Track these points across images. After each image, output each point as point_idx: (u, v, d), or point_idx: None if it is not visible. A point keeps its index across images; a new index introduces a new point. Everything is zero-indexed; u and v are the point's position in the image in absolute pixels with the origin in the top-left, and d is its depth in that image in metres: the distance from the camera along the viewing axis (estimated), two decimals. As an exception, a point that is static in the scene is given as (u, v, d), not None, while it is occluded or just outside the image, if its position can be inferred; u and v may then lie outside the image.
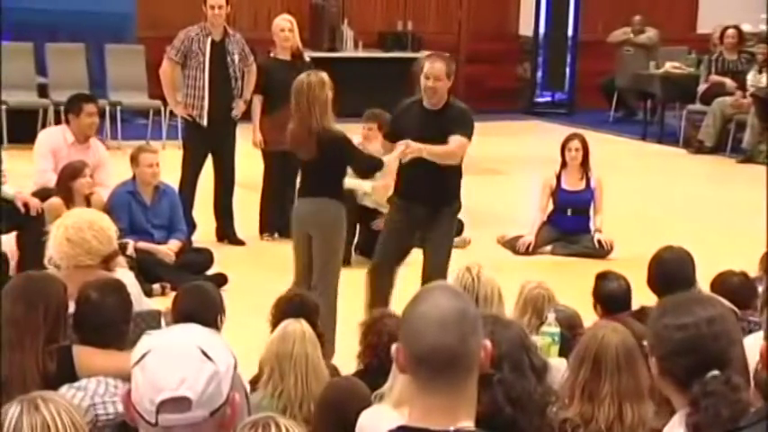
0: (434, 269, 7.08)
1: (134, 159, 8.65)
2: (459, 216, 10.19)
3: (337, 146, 6.98)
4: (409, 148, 6.98)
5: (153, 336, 2.34)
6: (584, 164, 9.95)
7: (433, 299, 2.43)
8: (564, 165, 9.96)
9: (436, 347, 2.37)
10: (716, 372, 2.71)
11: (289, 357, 4.61)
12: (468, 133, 7.15)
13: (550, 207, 10.06)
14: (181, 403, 2.25)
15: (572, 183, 9.96)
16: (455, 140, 7.07)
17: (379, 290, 7.19)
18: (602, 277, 5.67)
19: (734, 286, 5.79)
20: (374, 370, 4.69)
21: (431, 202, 7.23)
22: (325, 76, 7.02)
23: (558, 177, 9.97)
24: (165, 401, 2.24)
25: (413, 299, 2.48)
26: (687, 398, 2.72)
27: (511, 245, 9.93)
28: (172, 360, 2.26)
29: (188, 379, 2.25)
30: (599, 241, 9.82)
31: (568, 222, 9.97)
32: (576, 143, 9.95)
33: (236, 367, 2.37)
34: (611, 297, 5.54)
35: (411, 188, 7.24)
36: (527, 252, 9.80)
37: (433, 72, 7.12)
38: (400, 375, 3.56)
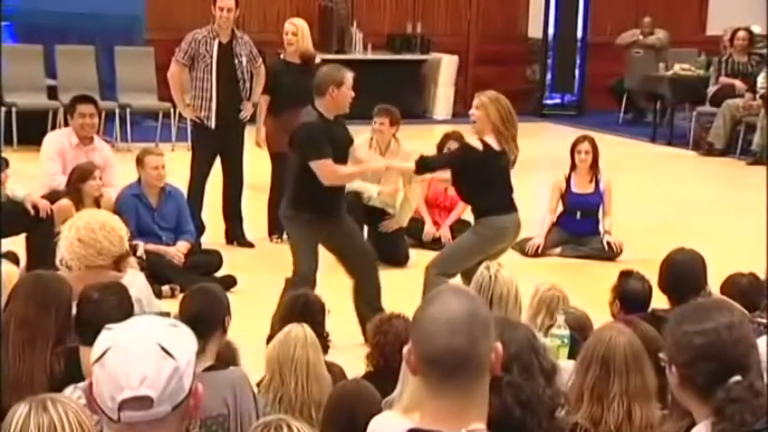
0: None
1: (140, 162, 8.66)
2: (467, 218, 10.24)
3: None
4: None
5: (113, 330, 2.34)
6: (594, 166, 9.94)
7: (444, 301, 2.43)
8: (573, 167, 9.95)
9: (446, 349, 2.37)
10: (738, 377, 2.70)
11: (289, 362, 4.61)
12: None
13: (560, 209, 10.06)
14: (142, 402, 2.26)
15: (581, 185, 9.95)
16: None
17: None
18: (626, 275, 5.67)
19: (743, 288, 5.78)
20: (382, 371, 4.68)
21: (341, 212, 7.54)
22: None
23: (568, 180, 9.96)
24: (127, 400, 2.25)
25: (424, 300, 2.48)
26: (709, 406, 2.70)
27: (520, 246, 9.91)
28: (132, 358, 2.27)
29: (149, 377, 2.26)
30: (608, 243, 9.80)
31: (577, 225, 9.96)
32: (585, 145, 9.93)
33: (197, 354, 2.37)
34: (633, 296, 5.54)
35: (335, 201, 7.44)
36: (536, 254, 9.79)
37: (353, 83, 7.14)
38: (410, 381, 3.55)
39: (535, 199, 11.27)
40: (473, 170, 7.13)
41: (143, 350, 2.28)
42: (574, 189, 9.95)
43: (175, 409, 2.28)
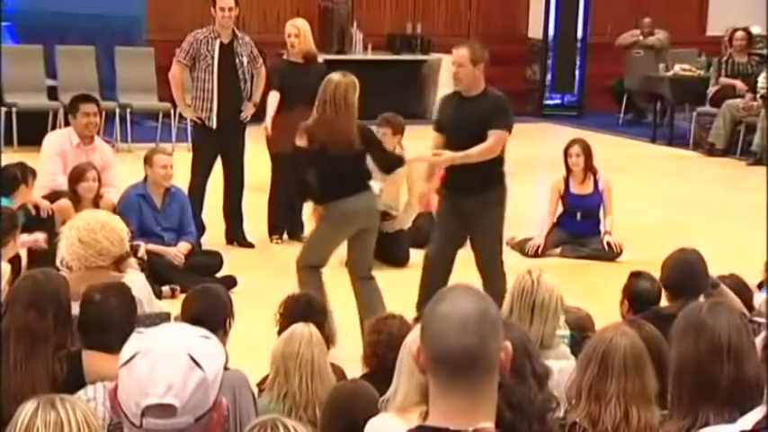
0: (484, 258, 7.34)
1: (148, 160, 8.67)
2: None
3: (366, 137, 7.25)
4: (441, 158, 7.26)
5: (143, 336, 2.32)
6: (588, 168, 9.92)
7: (454, 300, 2.42)
8: (569, 171, 9.94)
9: (456, 348, 2.37)
10: None
11: (294, 359, 4.61)
12: (505, 124, 7.32)
13: (559, 210, 10.05)
14: (166, 410, 2.24)
15: (579, 187, 9.94)
16: (492, 135, 7.23)
17: (432, 282, 7.24)
18: (636, 275, 5.70)
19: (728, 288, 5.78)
20: (377, 371, 4.69)
21: (470, 192, 7.39)
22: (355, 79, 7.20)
23: (567, 181, 9.96)
24: (151, 407, 2.24)
25: (434, 299, 2.47)
26: None
27: (520, 247, 9.92)
28: (160, 366, 2.25)
29: (175, 386, 2.24)
30: (608, 243, 9.80)
31: (577, 225, 9.95)
32: (575, 149, 9.93)
33: (226, 366, 2.36)
34: (641, 296, 5.55)
35: (452, 179, 7.45)
36: (536, 254, 9.79)
37: (455, 58, 7.34)
38: (403, 380, 3.55)
39: (535, 199, 11.28)
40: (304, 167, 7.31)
41: (172, 358, 2.25)
42: (572, 190, 9.96)
43: (198, 420, 2.26)
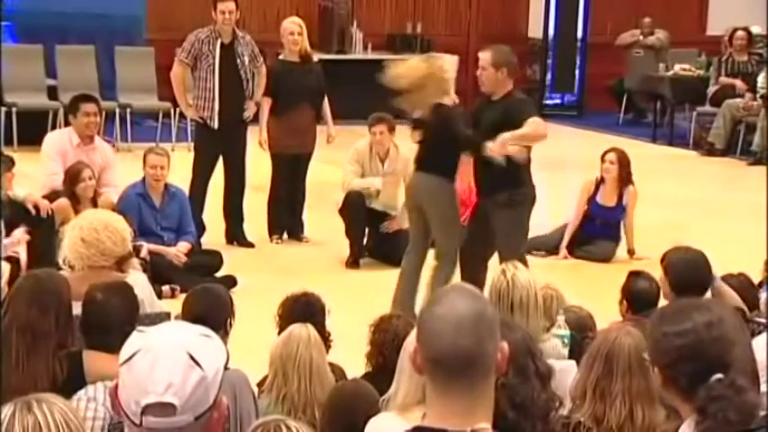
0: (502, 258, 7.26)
1: (144, 159, 8.69)
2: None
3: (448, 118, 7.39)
4: (495, 147, 7.10)
5: (143, 334, 2.33)
6: (621, 179, 9.70)
7: (450, 301, 2.42)
8: (602, 177, 9.76)
9: (452, 350, 2.37)
10: (719, 375, 2.69)
11: (292, 361, 4.60)
12: (531, 114, 7.29)
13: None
14: (166, 408, 2.25)
15: (606, 197, 9.75)
16: (531, 121, 7.18)
17: (465, 277, 7.25)
18: (634, 275, 5.68)
19: (734, 288, 5.78)
20: (381, 371, 4.69)
21: (482, 193, 7.54)
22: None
23: (597, 186, 9.79)
24: (151, 405, 2.24)
25: (430, 300, 2.47)
26: (693, 405, 2.70)
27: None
28: (160, 364, 2.26)
29: (174, 385, 2.25)
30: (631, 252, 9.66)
31: (595, 228, 9.78)
32: (611, 156, 9.76)
33: (226, 366, 2.36)
34: (640, 295, 5.54)
35: (477, 181, 7.60)
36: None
37: (480, 61, 7.40)
38: (404, 379, 3.55)
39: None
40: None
41: (172, 357, 2.26)
42: (599, 200, 9.76)
43: (197, 419, 2.27)
